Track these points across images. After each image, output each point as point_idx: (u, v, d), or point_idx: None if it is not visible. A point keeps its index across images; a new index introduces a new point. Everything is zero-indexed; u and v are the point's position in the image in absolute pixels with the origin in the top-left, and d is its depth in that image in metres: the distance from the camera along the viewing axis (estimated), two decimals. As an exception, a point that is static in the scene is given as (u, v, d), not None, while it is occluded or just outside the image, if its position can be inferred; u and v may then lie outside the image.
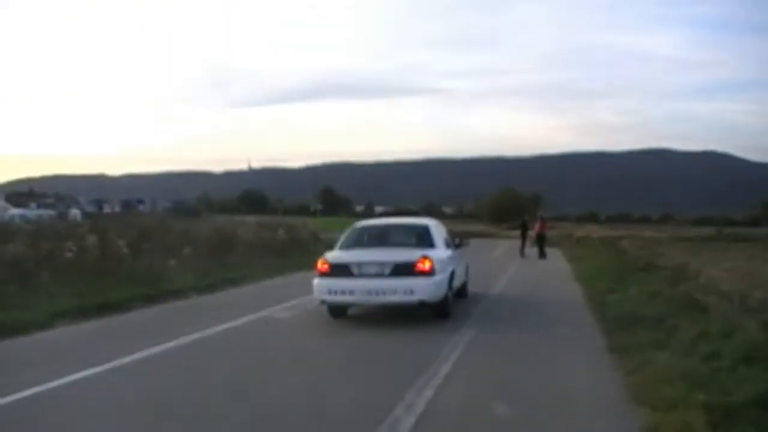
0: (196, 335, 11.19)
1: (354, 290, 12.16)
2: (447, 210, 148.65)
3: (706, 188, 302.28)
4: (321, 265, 12.65)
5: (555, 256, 32.77)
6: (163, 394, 7.83)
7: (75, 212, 69.88)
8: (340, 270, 12.35)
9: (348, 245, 13.75)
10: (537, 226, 33.71)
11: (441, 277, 12.41)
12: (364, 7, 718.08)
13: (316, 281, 12.59)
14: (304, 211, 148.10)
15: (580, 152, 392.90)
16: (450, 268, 13.19)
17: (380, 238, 14.08)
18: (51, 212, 66.51)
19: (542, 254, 31.66)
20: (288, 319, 13.17)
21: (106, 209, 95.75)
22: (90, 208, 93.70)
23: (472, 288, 16.54)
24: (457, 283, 14.20)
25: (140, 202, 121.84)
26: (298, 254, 28.13)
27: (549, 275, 22.95)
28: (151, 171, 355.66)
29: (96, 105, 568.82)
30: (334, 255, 13.09)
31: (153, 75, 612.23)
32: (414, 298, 11.95)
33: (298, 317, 13.43)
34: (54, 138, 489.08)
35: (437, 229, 14.46)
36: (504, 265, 26.75)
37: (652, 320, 11.36)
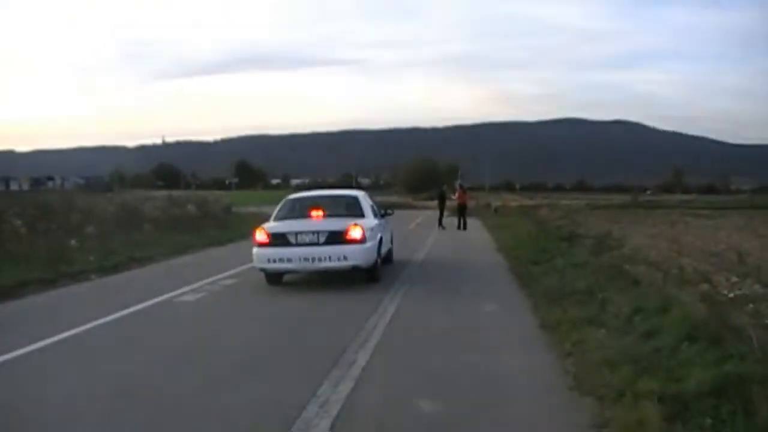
0: (87, 325, 9.95)
1: (292, 258, 12.95)
2: (363, 181, 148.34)
3: (618, 157, 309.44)
4: (260, 234, 13.38)
5: (474, 226, 32.24)
6: (34, 398, 6.74)
7: (-23, 189, 66.87)
8: (278, 239, 13.15)
9: (283, 216, 14.56)
10: (457, 196, 32.90)
11: (371, 244, 13.41)
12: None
13: (255, 250, 13.32)
14: (219, 185, 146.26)
15: (494, 122, 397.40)
16: (378, 236, 14.27)
17: (312, 208, 14.63)
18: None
19: (463, 225, 31.04)
20: (194, 302, 12.06)
21: (14, 187, 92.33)
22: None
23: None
24: (384, 249, 15.16)
25: (50, 179, 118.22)
26: (210, 230, 27.05)
27: (470, 246, 22.35)
28: (62, 146, 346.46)
29: (4, 77, 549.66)
30: (272, 225, 13.92)
31: (64, 46, 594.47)
32: (347, 263, 12.98)
33: (206, 300, 12.35)
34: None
35: (365, 199, 15.55)
36: (422, 237, 26.04)
37: (581, 294, 10.70)
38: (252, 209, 41.09)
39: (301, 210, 14.77)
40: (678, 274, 11.81)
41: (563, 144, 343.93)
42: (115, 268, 17.05)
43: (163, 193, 46.33)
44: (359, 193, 16.18)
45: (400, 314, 10.55)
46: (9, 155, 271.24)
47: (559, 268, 13.83)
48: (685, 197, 61.40)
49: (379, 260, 14.11)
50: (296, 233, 13.11)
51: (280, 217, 14.53)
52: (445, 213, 33.04)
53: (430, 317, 10.31)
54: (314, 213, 14.34)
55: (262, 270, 13.55)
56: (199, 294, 12.83)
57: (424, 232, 29.03)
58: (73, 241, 19.31)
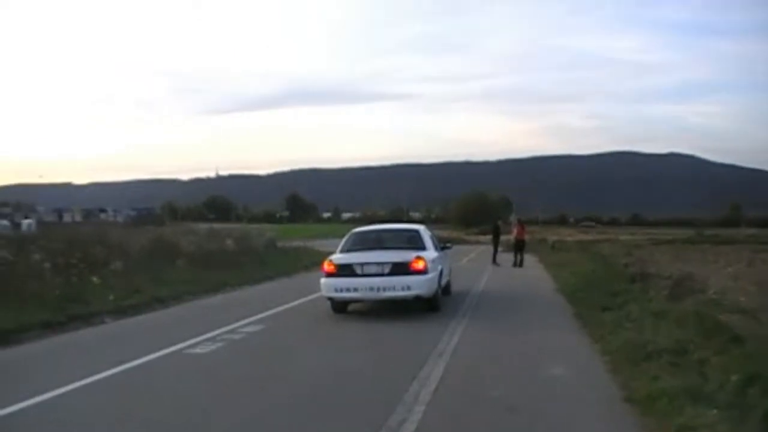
0: (66, 387, 8.17)
1: (358, 287, 13.68)
2: (414, 215, 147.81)
3: (671, 189, 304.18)
4: (327, 266, 14.14)
5: (530, 262, 30.18)
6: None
7: (29, 222, 66.72)
8: (344, 270, 13.90)
9: (348, 248, 15.23)
10: (515, 231, 30.87)
11: (433, 275, 14.01)
12: (333, 12, 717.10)
13: (323, 280, 14.08)
14: (270, 217, 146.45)
15: (546, 155, 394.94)
16: (439, 267, 14.87)
17: (376, 241, 15.62)
18: (5, 222, 63.46)
19: (520, 262, 29.00)
20: (206, 355, 10.28)
21: (67, 218, 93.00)
22: (50, 218, 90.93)
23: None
24: (444, 281, 15.73)
25: (102, 210, 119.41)
26: (250, 266, 25.44)
27: (528, 286, 20.32)
28: (118, 179, 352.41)
29: (62, 111, 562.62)
30: (338, 257, 14.56)
31: (121, 81, 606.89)
32: (411, 293, 13.63)
33: (222, 351, 10.57)
34: (19, 145, 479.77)
35: (426, 233, 16.20)
36: (475, 274, 24.09)
37: (670, 353, 8.69)
38: (297, 243, 39.66)
39: (366, 242, 15.51)
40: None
41: (616, 177, 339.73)
42: (135, 310, 15.53)
43: (217, 225, 45.22)
44: (420, 227, 16.94)
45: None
46: (66, 188, 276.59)
47: (635, 317, 11.79)
48: (750, 231, 58.41)
49: (439, 291, 14.73)
50: (362, 264, 13.84)
51: (346, 249, 15.19)
52: (500, 249, 30.95)
53: (482, 384, 8.40)
54: (379, 246, 15.20)
55: (330, 299, 14.22)
56: (214, 344, 11.05)
57: (477, 269, 27.09)
58: (94, 278, 17.86)
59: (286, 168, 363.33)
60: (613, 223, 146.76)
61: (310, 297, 17.29)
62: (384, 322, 13.55)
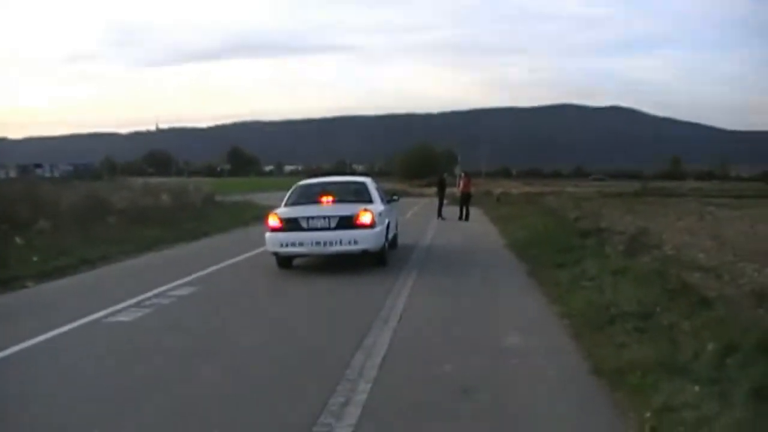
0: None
1: (304, 242, 13.37)
2: (358, 168, 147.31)
3: (613, 143, 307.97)
4: (272, 220, 13.76)
5: (475, 215, 29.51)
6: None
7: (-47, 178, 64.43)
8: (290, 224, 13.56)
9: (293, 202, 14.82)
10: (461, 184, 29.99)
11: (380, 229, 13.74)
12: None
13: (267, 235, 13.74)
14: (211, 171, 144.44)
15: (489, 108, 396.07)
16: (386, 221, 14.57)
17: (322, 194, 14.86)
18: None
19: (465, 215, 28.31)
20: (129, 325, 9.29)
21: (0, 174, 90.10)
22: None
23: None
24: (390, 234, 15.44)
25: (38, 166, 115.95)
26: (186, 222, 24.34)
27: (476, 242, 19.64)
28: (55, 134, 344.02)
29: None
30: (283, 211, 14.16)
31: (56, 33, 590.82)
32: (358, 247, 13.38)
33: (148, 320, 9.59)
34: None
35: (373, 185, 15.85)
36: (421, 228, 23.43)
37: (635, 317, 7.99)
38: (237, 197, 38.55)
39: (311, 196, 15.01)
40: (749, 285, 9.30)
41: (559, 130, 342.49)
42: (60, 272, 14.39)
43: (156, 180, 43.76)
44: (367, 180, 16.59)
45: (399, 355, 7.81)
46: (2, 142, 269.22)
47: (592, 275, 11.10)
48: (695, 184, 58.70)
49: (387, 244, 14.40)
50: (308, 218, 13.50)
51: (291, 203, 14.79)
52: (445, 201, 30.16)
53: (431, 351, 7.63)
54: (324, 198, 14.57)
55: (275, 254, 13.91)
56: (140, 311, 10.08)
57: (422, 222, 26.44)
58: (17, 239, 16.72)
59: (227, 121, 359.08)
60: (557, 175, 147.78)
61: (247, 254, 16.56)
62: (327, 280, 12.97)
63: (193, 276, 13.29)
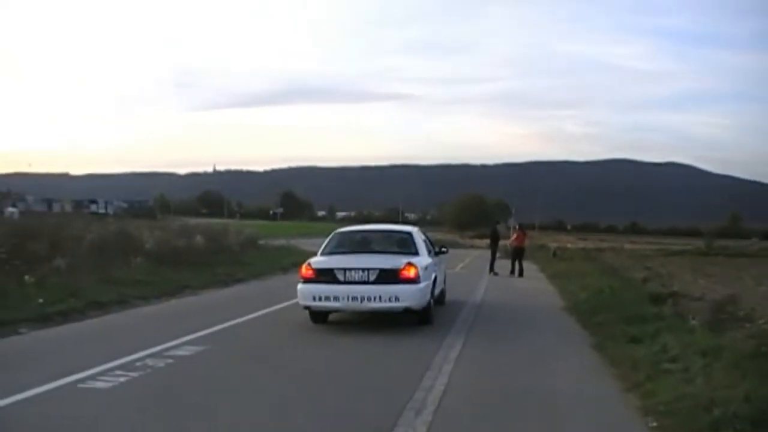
0: None
1: (339, 296, 11.97)
2: (410, 216, 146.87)
3: (669, 199, 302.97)
4: (305, 270, 12.50)
5: (530, 271, 27.42)
6: None
7: (12, 210, 64.53)
8: (324, 275, 12.26)
9: (331, 251, 13.54)
10: (514, 237, 27.97)
11: (425, 284, 12.37)
12: (334, 10, 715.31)
13: (300, 286, 12.41)
14: (264, 214, 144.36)
15: (544, 161, 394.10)
16: (433, 275, 13.25)
17: (363, 244, 14.02)
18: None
19: (519, 271, 26.21)
20: (103, 393, 7.56)
21: (56, 209, 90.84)
22: (40, 207, 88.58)
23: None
24: (437, 290, 14.13)
25: (93, 201, 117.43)
26: (221, 266, 22.80)
27: (531, 302, 17.49)
28: (114, 171, 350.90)
29: (60, 103, 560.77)
30: (318, 260, 12.92)
31: (119, 74, 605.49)
32: (399, 304, 11.97)
33: (130, 387, 7.86)
34: (18, 135, 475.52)
35: (419, 235, 14.45)
36: (471, 283, 21.48)
37: (746, 421, 6.07)
38: (281, 242, 37.12)
39: (350, 245, 13.88)
40: None
41: (614, 185, 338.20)
42: (63, 317, 12.98)
43: (208, 220, 42.65)
44: (413, 229, 15.04)
45: None
46: (63, 178, 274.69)
47: (676, 354, 9.09)
48: (763, 244, 55.69)
49: (432, 301, 13.07)
50: (345, 270, 12.18)
51: (327, 252, 13.51)
52: (498, 255, 28.03)
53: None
54: (365, 248, 13.65)
55: (307, 308, 12.54)
56: (127, 375, 8.36)
57: (473, 277, 24.48)
58: (27, 277, 15.24)
59: (283, 165, 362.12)
60: (611, 230, 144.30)
61: (278, 306, 15.02)
62: (358, 343, 11.22)
63: (207, 331, 11.62)
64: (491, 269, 26.80)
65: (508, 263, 26.88)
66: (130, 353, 9.48)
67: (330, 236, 14.24)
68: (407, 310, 12.20)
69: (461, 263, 31.57)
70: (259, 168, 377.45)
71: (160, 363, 9.10)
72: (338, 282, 12.07)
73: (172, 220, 52.59)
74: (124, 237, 22.90)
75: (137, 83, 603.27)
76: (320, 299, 12.12)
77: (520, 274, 25.99)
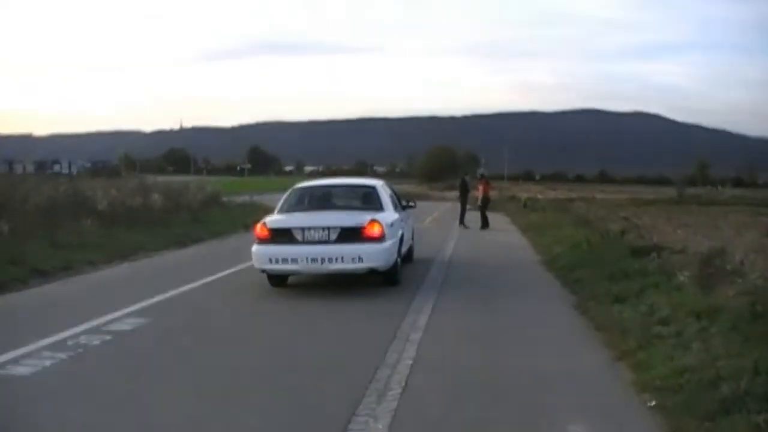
0: None
1: (297, 257, 11.11)
2: (379, 169, 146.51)
3: (637, 148, 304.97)
4: (260, 230, 11.58)
5: (501, 223, 26.74)
6: None
7: (-34, 172, 63.16)
8: (281, 235, 11.43)
9: (289, 208, 12.66)
10: (480, 188, 27.18)
11: (391, 243, 11.58)
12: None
13: (254, 248, 11.46)
14: (231, 170, 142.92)
15: (512, 111, 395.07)
16: (399, 232, 12.51)
17: (324, 200, 13.16)
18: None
19: (485, 223, 25.42)
20: (25, 379, 6.60)
21: (18, 169, 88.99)
22: (0, 168, 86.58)
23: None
24: (405, 247, 13.41)
25: (56, 162, 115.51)
26: (179, 225, 21.76)
27: (504, 258, 16.65)
28: (79, 131, 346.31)
29: (24, 62, 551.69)
30: (274, 219, 12.03)
31: (82, 33, 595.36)
32: (363, 265, 11.19)
33: (52, 372, 6.89)
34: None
35: (385, 189, 13.63)
36: (440, 237, 20.74)
37: (761, 401, 5.22)
38: (245, 198, 36.07)
39: (310, 201, 13.05)
40: None
41: (582, 135, 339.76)
42: (1, 287, 11.74)
43: (176, 178, 41.42)
44: (378, 183, 14.11)
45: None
46: (27, 139, 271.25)
47: (666, 315, 8.26)
48: (733, 192, 55.39)
49: (399, 260, 12.28)
50: (303, 229, 11.34)
51: (285, 209, 12.61)
52: (468, 207, 27.08)
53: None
54: (325, 204, 12.84)
55: (263, 271, 11.63)
56: (54, 356, 7.36)
57: (442, 231, 23.72)
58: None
59: (251, 120, 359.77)
60: (580, 180, 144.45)
61: (236, 267, 14.03)
62: (318, 309, 10.38)
63: (154, 299, 10.64)
64: (461, 222, 25.92)
65: (478, 216, 25.99)
66: (65, 329, 8.47)
67: (288, 192, 13.33)
68: (372, 271, 11.41)
69: (430, 216, 30.68)
70: (227, 124, 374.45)
71: (95, 340, 8.08)
72: (296, 242, 11.24)
73: (135, 178, 51.20)
74: (75, 197, 21.68)
75: (99, 41, 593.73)
76: (277, 261, 11.23)
77: (486, 224, 25.16)
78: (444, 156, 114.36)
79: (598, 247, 14.91)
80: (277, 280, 11.96)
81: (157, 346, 8.06)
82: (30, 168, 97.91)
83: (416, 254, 15.52)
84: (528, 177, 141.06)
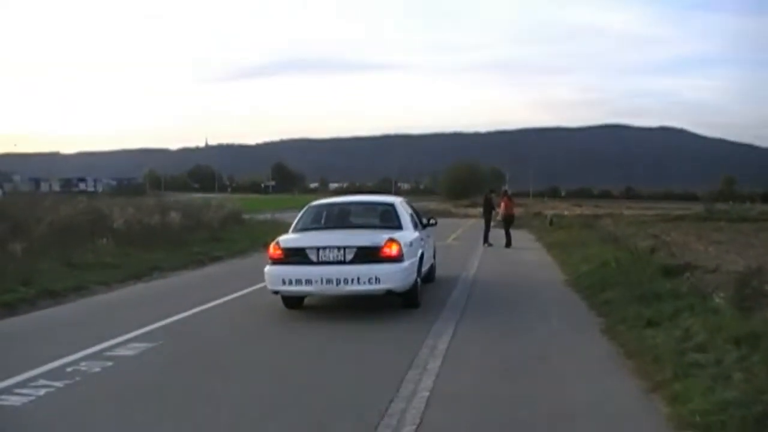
0: None
1: (312, 279, 10.66)
2: (403, 186, 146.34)
3: (663, 163, 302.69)
4: (273, 250, 11.23)
5: (527, 241, 26.09)
6: None
7: (-2, 191, 63.50)
8: (295, 255, 11.01)
9: (303, 227, 12.33)
10: (501, 205, 26.56)
11: (410, 263, 11.14)
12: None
13: (267, 269, 11.12)
14: (256, 187, 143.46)
15: (537, 128, 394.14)
16: (419, 252, 12.06)
17: (340, 218, 12.87)
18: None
19: (508, 241, 24.73)
20: (18, 409, 6.20)
21: (44, 188, 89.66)
22: (27, 187, 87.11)
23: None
24: (425, 267, 12.85)
25: (81, 180, 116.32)
26: (198, 244, 21.42)
27: (529, 278, 16.06)
28: (106, 149, 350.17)
29: (52, 83, 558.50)
30: (288, 238, 11.67)
31: (111, 53, 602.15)
32: (380, 286, 10.69)
33: (45, 403, 6.46)
34: (7, 116, 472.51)
35: (403, 207, 13.18)
36: (462, 257, 20.08)
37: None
38: (266, 216, 35.70)
39: (325, 220, 12.71)
40: None
41: (607, 150, 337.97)
42: (8, 309, 11.50)
43: (199, 195, 41.35)
44: (396, 200, 13.74)
45: None
46: (55, 157, 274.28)
47: (702, 342, 7.68)
48: (766, 207, 54.25)
49: (419, 281, 11.79)
50: (318, 248, 10.88)
51: (299, 228, 12.28)
52: (492, 224, 26.37)
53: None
54: (341, 223, 12.56)
55: (276, 293, 11.18)
56: (51, 385, 6.93)
57: (465, 249, 23.12)
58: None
59: (275, 138, 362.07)
60: (606, 196, 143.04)
61: (250, 288, 13.58)
62: (334, 333, 9.93)
63: (162, 323, 10.29)
64: (485, 240, 25.33)
65: (502, 233, 25.38)
66: (66, 355, 8.12)
67: (302, 210, 12.93)
68: (390, 293, 10.92)
69: (453, 234, 30.13)
70: (252, 141, 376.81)
71: (96, 367, 7.68)
72: (311, 263, 10.78)
73: (161, 196, 51.16)
74: (92, 216, 21.42)
75: (127, 60, 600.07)
76: (290, 283, 10.78)
77: (509, 243, 24.53)
78: (467, 172, 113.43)
79: (626, 266, 14.29)
80: (292, 301, 11.59)
81: (159, 374, 7.62)
82: (56, 186, 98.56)
83: (438, 273, 15.08)
84: (554, 193, 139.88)
